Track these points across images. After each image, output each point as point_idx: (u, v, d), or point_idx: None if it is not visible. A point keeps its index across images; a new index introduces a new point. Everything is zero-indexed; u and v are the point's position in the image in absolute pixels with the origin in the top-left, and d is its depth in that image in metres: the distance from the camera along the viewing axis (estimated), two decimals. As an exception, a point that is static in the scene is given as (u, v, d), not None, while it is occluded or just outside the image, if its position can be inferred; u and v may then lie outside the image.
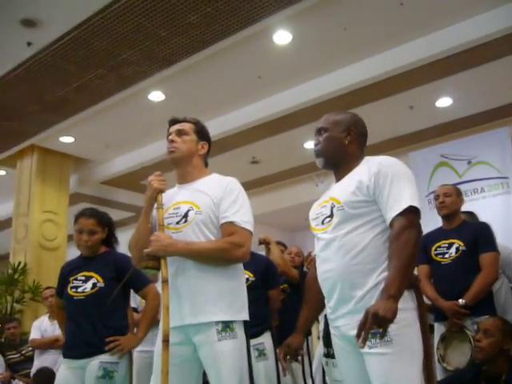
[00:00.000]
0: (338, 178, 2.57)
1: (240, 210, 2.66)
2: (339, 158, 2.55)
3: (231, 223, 2.62)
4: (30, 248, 9.04)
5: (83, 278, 3.47)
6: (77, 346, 3.38)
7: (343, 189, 2.43)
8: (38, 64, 6.68)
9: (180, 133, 2.81)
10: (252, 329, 3.92)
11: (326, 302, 2.50)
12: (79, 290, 3.45)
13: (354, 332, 2.16)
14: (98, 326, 3.37)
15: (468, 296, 3.62)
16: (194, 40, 6.24)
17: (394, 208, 2.25)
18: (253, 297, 4.04)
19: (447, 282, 3.81)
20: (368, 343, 2.15)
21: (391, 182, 2.29)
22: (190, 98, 7.67)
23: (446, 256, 3.81)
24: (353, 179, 2.41)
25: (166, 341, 2.42)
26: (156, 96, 7.70)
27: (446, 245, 3.85)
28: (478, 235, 3.80)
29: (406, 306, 2.23)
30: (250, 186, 10.96)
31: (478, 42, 6.25)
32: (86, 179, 10.59)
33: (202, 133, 2.86)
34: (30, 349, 6.45)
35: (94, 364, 3.28)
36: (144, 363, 4.46)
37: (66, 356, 3.47)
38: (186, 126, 2.83)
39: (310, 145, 9.49)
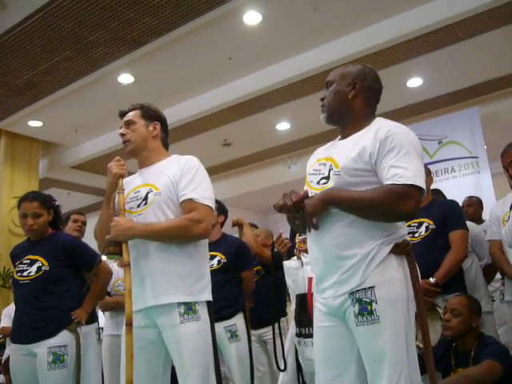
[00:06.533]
0: (344, 136, 2.43)
1: (198, 186, 2.63)
2: (342, 113, 2.41)
3: (190, 200, 2.60)
4: (0, 234, 8.92)
5: (28, 262, 3.47)
6: (22, 330, 3.39)
7: (345, 152, 2.29)
8: (2, 47, 6.53)
9: (128, 124, 2.82)
10: (224, 310, 3.98)
11: (312, 271, 2.45)
12: (24, 273, 3.44)
13: (339, 301, 2.20)
14: (44, 309, 3.36)
15: (438, 274, 3.63)
16: (163, 21, 6.17)
17: (392, 179, 2.13)
18: (225, 278, 4.09)
19: (418, 261, 3.81)
20: (355, 320, 2.15)
21: (397, 154, 2.16)
22: (160, 80, 7.59)
23: (416, 235, 3.81)
24: (357, 143, 2.27)
25: (129, 324, 2.41)
26: (125, 78, 7.60)
27: (416, 224, 3.85)
28: (447, 213, 3.81)
29: (392, 275, 2.16)
30: (222, 169, 10.98)
31: (448, 21, 6.26)
32: (56, 164, 10.46)
33: (148, 115, 2.85)
34: (1, 336, 6.38)
35: (43, 351, 3.28)
36: (116, 346, 4.44)
37: (13, 341, 3.48)
38: (132, 115, 2.84)
39: (281, 126, 9.51)
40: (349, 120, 2.40)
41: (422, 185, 2.14)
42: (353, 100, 2.39)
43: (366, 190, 2.18)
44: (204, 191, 2.64)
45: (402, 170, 2.12)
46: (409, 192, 2.11)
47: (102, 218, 2.72)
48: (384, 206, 2.12)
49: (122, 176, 2.71)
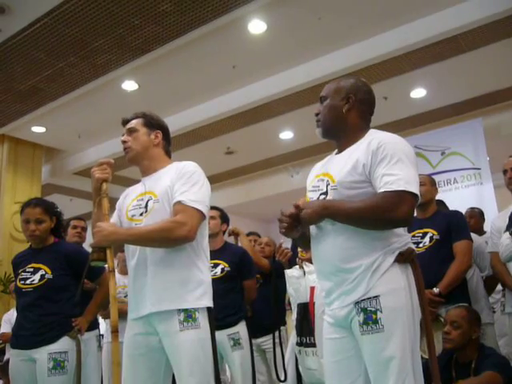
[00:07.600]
0: (340, 150, 2.45)
1: (189, 189, 2.60)
2: (338, 127, 2.43)
3: (178, 203, 2.57)
4: (2, 240, 8.92)
5: (31, 270, 3.47)
6: (23, 335, 3.39)
7: (340, 166, 2.32)
8: (7, 52, 6.55)
9: (130, 131, 2.82)
10: (227, 318, 3.98)
11: (319, 284, 2.45)
12: (27, 281, 3.44)
13: (345, 311, 2.21)
14: (46, 315, 3.36)
15: (442, 284, 3.63)
16: (168, 28, 6.18)
17: (384, 187, 2.15)
18: (228, 287, 4.09)
19: (422, 271, 3.81)
20: (360, 329, 2.16)
21: (388, 162, 2.18)
22: (164, 87, 7.60)
23: (421, 245, 3.81)
24: (351, 157, 2.30)
25: (114, 331, 2.40)
26: (129, 85, 7.62)
27: (421, 234, 3.84)
28: (451, 224, 3.81)
29: (397, 284, 2.17)
30: (225, 177, 10.99)
31: (452, 32, 6.28)
32: (59, 170, 10.47)
33: (151, 123, 2.84)
34: (1, 342, 6.35)
35: (43, 357, 3.28)
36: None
37: (13, 346, 3.48)
38: (134, 123, 2.84)
39: (285, 135, 9.52)
40: (344, 134, 2.43)
41: (415, 190, 2.15)
42: (347, 114, 2.41)
43: (360, 200, 2.19)
44: (194, 194, 2.60)
45: (394, 177, 2.14)
46: (401, 198, 2.13)
47: (92, 223, 2.73)
48: (377, 213, 2.14)
49: (105, 180, 2.72)
